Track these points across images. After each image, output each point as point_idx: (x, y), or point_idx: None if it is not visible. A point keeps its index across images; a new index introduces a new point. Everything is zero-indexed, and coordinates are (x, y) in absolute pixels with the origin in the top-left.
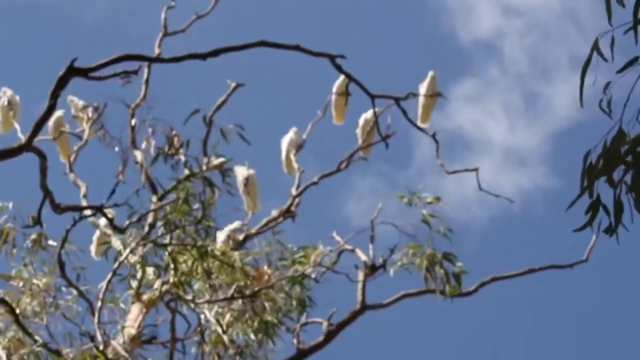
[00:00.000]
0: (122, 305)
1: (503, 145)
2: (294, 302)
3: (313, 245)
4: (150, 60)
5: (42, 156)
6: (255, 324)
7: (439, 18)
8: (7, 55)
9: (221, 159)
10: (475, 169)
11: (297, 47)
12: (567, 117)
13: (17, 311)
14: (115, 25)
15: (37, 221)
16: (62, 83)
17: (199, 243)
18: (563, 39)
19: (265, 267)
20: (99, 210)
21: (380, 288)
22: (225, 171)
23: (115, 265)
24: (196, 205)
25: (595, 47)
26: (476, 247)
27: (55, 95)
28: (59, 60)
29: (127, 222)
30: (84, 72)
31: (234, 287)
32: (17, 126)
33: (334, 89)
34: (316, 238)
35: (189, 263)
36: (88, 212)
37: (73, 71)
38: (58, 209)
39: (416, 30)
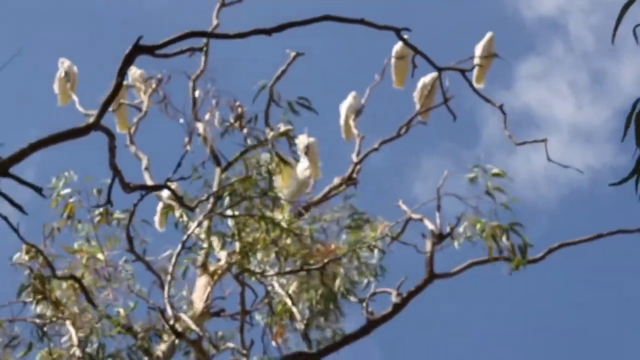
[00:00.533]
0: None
1: (570, 123)
2: (364, 269)
3: (379, 217)
4: (216, 36)
5: (110, 135)
6: (322, 293)
7: None
8: (68, 34)
9: (288, 127)
10: (544, 140)
11: (362, 21)
12: (634, 95)
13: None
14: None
15: (108, 200)
16: (128, 61)
17: (267, 213)
18: (628, 15)
19: (331, 243)
20: (167, 188)
21: (446, 259)
22: (291, 138)
23: (184, 238)
24: (262, 176)
25: None
26: (545, 227)
27: (122, 73)
28: (116, 36)
29: (196, 201)
30: (150, 50)
31: (298, 258)
32: (75, 98)
33: (393, 54)
34: (384, 213)
35: (255, 234)
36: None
37: (139, 49)
38: (127, 187)
39: (479, 8)
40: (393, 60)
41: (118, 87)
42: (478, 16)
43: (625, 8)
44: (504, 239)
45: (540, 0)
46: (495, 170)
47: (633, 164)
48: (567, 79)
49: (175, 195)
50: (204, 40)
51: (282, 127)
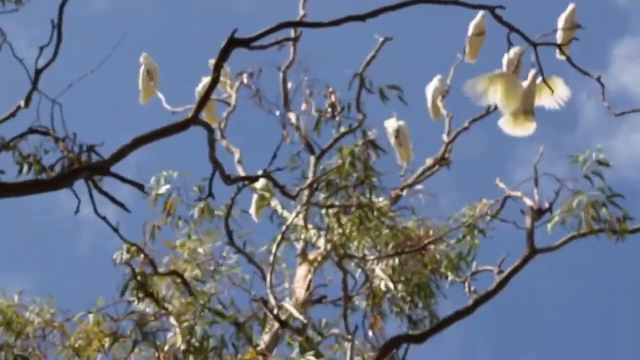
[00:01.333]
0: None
1: None
2: (465, 252)
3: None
4: (310, 25)
5: (210, 129)
6: (422, 277)
7: None
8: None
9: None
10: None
11: (456, 2)
12: None
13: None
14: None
15: (210, 193)
16: (224, 55)
17: (363, 202)
18: None
19: (428, 231)
20: (268, 177)
21: (545, 236)
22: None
23: (283, 229)
24: (359, 166)
25: None
26: None
27: (218, 67)
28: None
29: (297, 189)
30: (246, 43)
31: (396, 244)
32: (161, 96)
33: (473, 29)
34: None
35: (352, 224)
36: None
37: (234, 42)
38: (229, 180)
39: None
40: (471, 35)
41: (216, 81)
42: None
43: None
44: (604, 210)
45: None
46: (599, 158)
47: None
48: None
49: (276, 185)
50: (299, 30)
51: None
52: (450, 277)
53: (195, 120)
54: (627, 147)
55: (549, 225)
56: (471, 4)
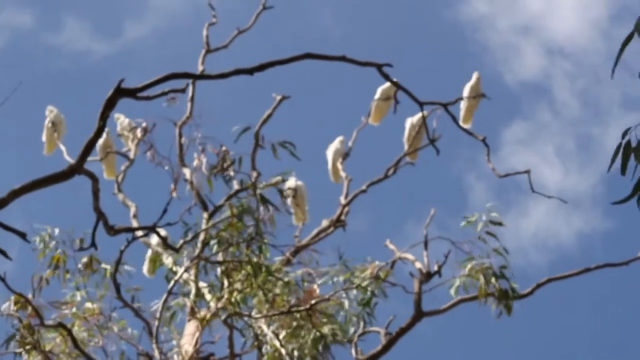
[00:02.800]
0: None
1: (558, 189)
2: (352, 311)
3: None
4: (197, 77)
5: (94, 179)
6: (312, 337)
7: (481, 59)
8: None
9: (278, 178)
10: (527, 171)
11: (343, 58)
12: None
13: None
14: (157, 45)
15: (92, 244)
16: (110, 104)
17: (254, 260)
18: (614, 81)
19: (315, 286)
20: (152, 230)
21: (434, 299)
22: (282, 191)
23: (171, 285)
24: (250, 222)
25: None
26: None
27: (104, 116)
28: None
29: (181, 241)
30: (132, 93)
31: (286, 302)
32: (62, 147)
33: (378, 94)
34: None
35: (243, 281)
36: (141, 232)
37: (121, 92)
38: (112, 230)
39: (459, 70)
40: (377, 100)
41: (100, 130)
42: (461, 77)
43: (626, 43)
44: (493, 280)
45: (523, 64)
46: (491, 218)
47: (621, 228)
48: (554, 144)
49: (159, 236)
50: (187, 81)
51: (273, 179)
52: (339, 339)
53: (78, 168)
54: (514, 232)
55: (452, 290)
56: (359, 61)
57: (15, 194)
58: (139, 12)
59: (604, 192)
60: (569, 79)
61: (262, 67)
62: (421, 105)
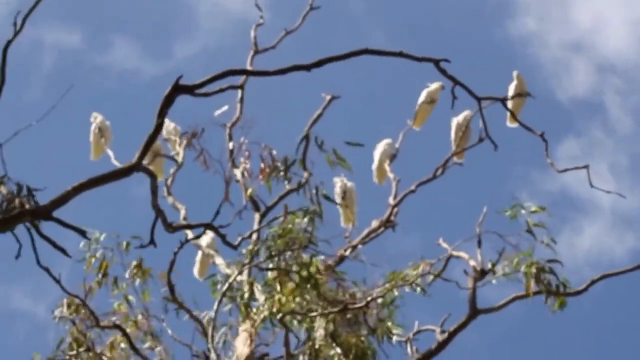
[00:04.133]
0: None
1: (611, 206)
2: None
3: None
4: (255, 73)
5: (152, 176)
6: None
7: (532, 75)
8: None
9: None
10: (586, 166)
11: (400, 54)
12: None
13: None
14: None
15: (151, 241)
16: (168, 101)
17: (303, 272)
18: None
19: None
20: (210, 227)
21: (488, 296)
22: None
23: (225, 287)
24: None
25: None
26: (590, 307)
27: (162, 114)
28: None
29: (239, 238)
30: (190, 90)
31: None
32: (110, 152)
33: (422, 98)
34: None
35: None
36: (193, 233)
37: (179, 89)
38: (170, 227)
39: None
40: (421, 103)
41: (159, 127)
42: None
43: None
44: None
45: (574, 80)
46: (534, 209)
47: None
48: (608, 161)
49: (218, 234)
50: (244, 77)
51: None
52: (394, 337)
53: (137, 166)
54: (569, 249)
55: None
56: (416, 56)
57: (76, 190)
58: (188, 32)
59: None
60: (621, 95)
61: (319, 63)
62: (479, 100)
